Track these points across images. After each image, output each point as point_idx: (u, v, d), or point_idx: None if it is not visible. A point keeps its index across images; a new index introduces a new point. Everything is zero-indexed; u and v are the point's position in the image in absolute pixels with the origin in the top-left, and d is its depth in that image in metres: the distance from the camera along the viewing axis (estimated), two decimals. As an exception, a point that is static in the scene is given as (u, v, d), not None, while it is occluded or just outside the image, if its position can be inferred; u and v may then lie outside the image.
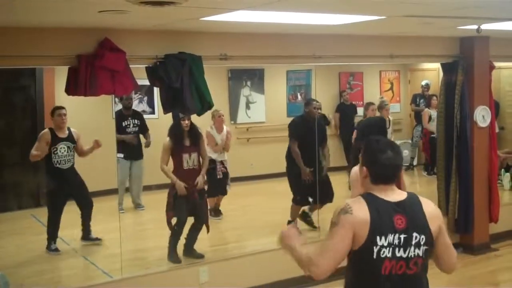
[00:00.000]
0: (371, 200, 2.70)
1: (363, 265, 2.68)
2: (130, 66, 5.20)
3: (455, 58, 7.28)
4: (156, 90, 8.65)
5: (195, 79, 5.49)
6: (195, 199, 6.18)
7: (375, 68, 12.41)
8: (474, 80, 7.25)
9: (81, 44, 5.03)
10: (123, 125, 8.31)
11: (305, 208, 7.42)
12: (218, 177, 7.91)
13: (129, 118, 8.41)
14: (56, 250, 6.68)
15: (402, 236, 2.66)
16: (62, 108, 6.86)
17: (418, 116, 11.27)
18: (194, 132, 6.36)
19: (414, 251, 2.68)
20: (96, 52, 5.02)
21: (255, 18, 4.74)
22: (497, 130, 8.54)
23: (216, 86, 9.78)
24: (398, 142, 11.29)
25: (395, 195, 2.75)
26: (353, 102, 11.77)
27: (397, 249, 2.65)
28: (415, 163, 11.74)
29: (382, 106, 8.89)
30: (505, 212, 7.66)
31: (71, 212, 6.90)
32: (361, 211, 2.65)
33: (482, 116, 7.31)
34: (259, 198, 9.16)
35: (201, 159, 6.38)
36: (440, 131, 7.49)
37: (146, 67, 5.42)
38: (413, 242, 2.68)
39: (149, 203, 8.75)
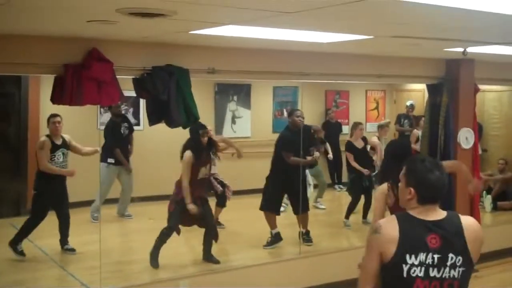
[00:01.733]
0: (404, 219, 2.66)
1: (393, 283, 2.64)
2: (117, 77, 5.20)
3: (440, 79, 7.36)
4: (142, 102, 8.74)
5: (182, 92, 5.48)
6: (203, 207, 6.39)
7: (361, 87, 12.49)
8: (458, 102, 7.33)
9: (68, 53, 5.02)
10: (121, 131, 8.53)
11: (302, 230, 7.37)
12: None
13: (121, 124, 8.59)
14: (22, 253, 6.68)
15: (436, 256, 2.60)
16: (57, 115, 6.88)
17: (402, 136, 11.33)
18: (210, 143, 6.61)
19: (449, 272, 2.62)
20: (83, 62, 5.01)
21: (243, 33, 4.76)
22: (480, 152, 8.61)
23: (203, 100, 9.76)
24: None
25: (435, 215, 2.68)
26: (339, 120, 11.83)
27: (430, 269, 2.59)
28: (398, 183, 11.77)
29: (383, 126, 9.10)
30: (486, 234, 7.59)
31: (51, 222, 6.84)
32: (390, 230, 2.62)
33: (465, 137, 7.38)
34: (242, 213, 9.11)
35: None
36: (424, 151, 7.54)
37: (133, 79, 5.41)
38: (449, 263, 2.62)
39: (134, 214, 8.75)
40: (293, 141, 7.18)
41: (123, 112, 8.97)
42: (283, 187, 7.29)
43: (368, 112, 12.68)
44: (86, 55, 5.04)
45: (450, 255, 2.62)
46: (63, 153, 6.89)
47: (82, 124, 8.39)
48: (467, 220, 2.74)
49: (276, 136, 10.37)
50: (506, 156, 10.23)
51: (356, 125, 8.79)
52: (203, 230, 6.53)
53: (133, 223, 8.68)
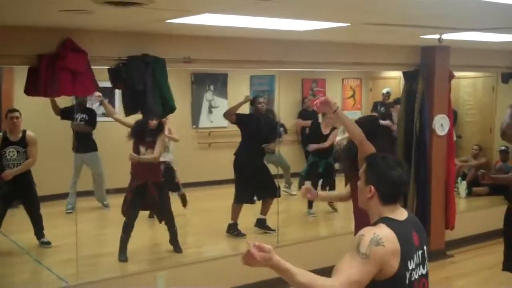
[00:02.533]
0: (394, 226, 2.51)
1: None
2: (92, 67, 5.12)
3: (416, 67, 7.40)
4: (117, 93, 8.65)
5: (158, 82, 5.44)
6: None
7: (338, 76, 12.52)
8: (434, 89, 7.38)
9: (42, 43, 4.93)
10: (75, 117, 8.24)
11: (259, 216, 7.41)
12: None
13: (78, 113, 8.31)
14: None
15: (419, 253, 2.59)
16: (15, 110, 6.71)
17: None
18: (158, 128, 6.46)
19: (428, 266, 2.61)
20: (57, 52, 4.93)
21: (220, 22, 4.72)
22: (455, 138, 8.69)
23: (179, 90, 9.73)
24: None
25: (403, 213, 2.62)
26: (314, 109, 11.82)
27: (419, 267, 2.57)
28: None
29: None
30: (461, 219, 7.79)
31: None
32: (391, 242, 2.45)
33: (440, 124, 7.44)
34: (219, 204, 9.11)
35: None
36: (399, 138, 7.59)
37: (108, 69, 5.34)
38: (426, 256, 2.62)
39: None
40: (252, 126, 7.21)
41: (99, 112, 8.73)
42: (249, 175, 7.26)
43: (345, 100, 12.72)
44: (60, 46, 4.96)
45: (425, 247, 2.65)
46: (17, 151, 6.65)
47: (57, 117, 8.26)
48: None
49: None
50: (480, 142, 10.36)
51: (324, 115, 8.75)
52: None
53: (110, 213, 8.62)
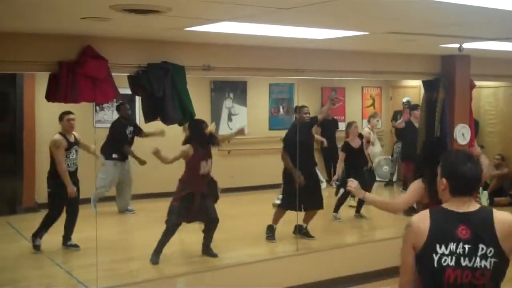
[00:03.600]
0: (435, 211, 2.77)
1: (425, 272, 2.73)
2: (112, 74, 5.18)
3: (436, 75, 7.36)
4: (137, 99, 8.73)
5: (178, 89, 5.47)
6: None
7: (357, 84, 12.48)
8: (454, 98, 7.32)
9: (63, 50, 5.00)
10: (126, 132, 8.56)
11: (301, 223, 7.39)
12: None
13: (129, 126, 8.63)
14: (39, 248, 6.74)
15: (466, 246, 2.67)
16: (70, 112, 6.84)
17: (398, 132, 11.32)
18: (210, 137, 6.56)
19: (480, 262, 2.67)
20: (78, 59, 4.99)
21: (239, 30, 4.74)
22: (478, 148, 8.60)
23: (199, 97, 9.77)
24: (378, 158, 11.39)
25: (466, 207, 2.75)
26: (335, 117, 11.81)
27: (461, 258, 2.67)
28: (394, 178, 11.78)
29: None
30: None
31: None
32: (421, 223, 2.73)
33: (462, 133, 7.38)
34: (238, 210, 9.12)
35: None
36: (420, 147, 7.54)
37: (128, 76, 5.39)
38: (479, 253, 2.67)
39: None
40: (294, 140, 7.14)
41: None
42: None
43: (364, 109, 12.67)
44: (80, 53, 5.02)
45: (481, 245, 2.68)
46: (76, 150, 6.89)
47: (78, 122, 8.33)
48: (501, 215, 2.76)
49: (272, 133, 10.42)
50: (502, 152, 10.23)
51: (349, 124, 8.66)
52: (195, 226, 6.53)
53: (133, 218, 8.69)
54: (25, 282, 6.01)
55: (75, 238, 6.98)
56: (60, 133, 6.79)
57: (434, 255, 2.66)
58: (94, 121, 8.38)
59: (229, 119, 11.06)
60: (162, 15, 3.84)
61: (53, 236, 6.93)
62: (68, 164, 6.75)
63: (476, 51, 6.67)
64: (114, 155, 8.47)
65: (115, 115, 8.91)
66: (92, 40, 5.08)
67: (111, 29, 4.75)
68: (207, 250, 6.53)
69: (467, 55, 7.06)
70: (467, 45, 6.10)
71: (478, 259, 2.67)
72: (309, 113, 7.36)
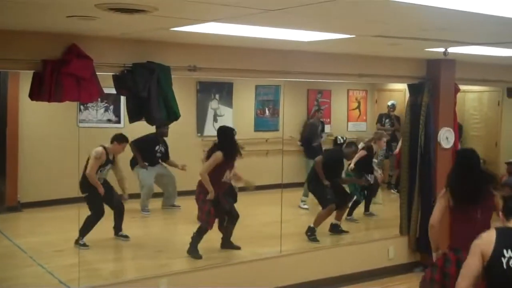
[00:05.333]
0: (500, 228, 3.29)
1: (495, 277, 3.15)
2: (97, 73, 5.14)
3: (421, 79, 7.40)
4: (123, 99, 8.68)
5: (163, 89, 5.44)
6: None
7: (343, 87, 12.51)
8: (439, 101, 7.37)
9: (48, 49, 4.95)
10: (156, 149, 8.95)
11: (333, 221, 7.81)
12: None
13: (160, 145, 8.99)
14: (85, 244, 6.89)
15: None
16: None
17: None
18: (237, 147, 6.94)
19: None
20: (63, 57, 4.94)
21: (225, 30, 4.73)
22: (460, 152, 8.64)
23: (184, 98, 9.74)
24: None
25: None
26: (321, 120, 11.83)
27: None
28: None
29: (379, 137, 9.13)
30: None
31: (27, 220, 6.77)
32: (488, 235, 3.23)
33: (446, 137, 7.42)
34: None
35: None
36: (404, 151, 7.58)
37: (113, 75, 5.36)
38: None
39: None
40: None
41: (104, 118, 9.18)
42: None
43: (350, 111, 12.72)
44: (65, 51, 4.98)
45: None
46: (109, 168, 7.23)
47: (61, 121, 8.31)
48: None
49: (257, 135, 10.43)
50: (486, 157, 10.30)
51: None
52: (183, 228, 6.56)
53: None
54: (7, 282, 5.96)
55: (58, 237, 6.93)
56: (104, 148, 7.09)
57: (502, 258, 3.11)
58: (78, 121, 8.32)
59: (215, 120, 11.04)
60: (148, 15, 3.82)
61: (33, 237, 6.88)
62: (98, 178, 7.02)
63: (461, 56, 6.72)
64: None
65: (100, 115, 8.88)
66: (77, 38, 5.04)
67: (97, 28, 4.72)
68: (228, 243, 6.86)
69: (452, 60, 7.11)
70: (452, 50, 6.14)
71: None
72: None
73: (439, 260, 4.73)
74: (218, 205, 6.66)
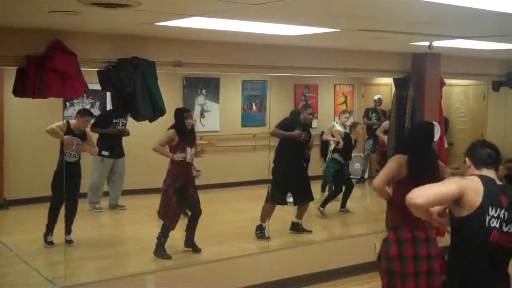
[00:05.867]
0: (484, 177, 3.12)
1: (473, 231, 3.02)
2: (82, 69, 5.11)
3: (407, 73, 7.42)
4: (109, 95, 8.63)
5: (148, 85, 5.42)
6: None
7: (330, 81, 12.53)
8: (424, 95, 7.39)
9: (31, 45, 4.91)
10: (114, 121, 8.55)
11: (294, 220, 7.59)
12: None
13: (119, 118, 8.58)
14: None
15: (506, 213, 3.04)
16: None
17: (370, 129, 11.40)
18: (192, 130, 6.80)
19: (510, 227, 3.05)
20: (46, 53, 4.90)
21: (210, 25, 4.72)
22: (446, 145, 8.69)
23: (171, 93, 9.71)
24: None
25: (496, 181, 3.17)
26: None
27: (503, 224, 3.03)
28: (366, 175, 11.87)
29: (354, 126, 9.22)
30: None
31: (13, 218, 6.73)
32: (476, 182, 3.06)
33: (431, 131, 7.43)
34: (209, 208, 9.09)
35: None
36: (390, 144, 7.60)
37: (98, 71, 5.32)
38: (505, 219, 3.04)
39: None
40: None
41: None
42: (288, 178, 7.42)
43: (337, 106, 12.73)
44: (49, 47, 4.94)
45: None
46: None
47: (46, 117, 8.22)
48: None
49: (244, 130, 10.41)
50: (472, 149, 10.35)
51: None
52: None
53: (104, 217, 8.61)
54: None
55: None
56: (67, 122, 7.08)
57: (487, 215, 3.00)
58: (63, 117, 8.22)
59: (202, 115, 11.02)
60: (132, 9, 3.79)
61: (19, 235, 6.84)
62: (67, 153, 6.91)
63: (447, 49, 6.74)
64: (103, 152, 8.46)
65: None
66: (61, 34, 5.00)
67: (80, 23, 4.68)
68: (191, 244, 6.63)
69: (437, 53, 7.13)
70: (437, 43, 6.16)
71: (510, 225, 3.04)
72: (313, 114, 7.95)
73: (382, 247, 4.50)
74: (186, 194, 6.53)
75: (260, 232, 7.26)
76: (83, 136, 7.09)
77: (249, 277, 6.26)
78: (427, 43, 6.15)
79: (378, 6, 3.87)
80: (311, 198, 7.67)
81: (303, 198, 7.57)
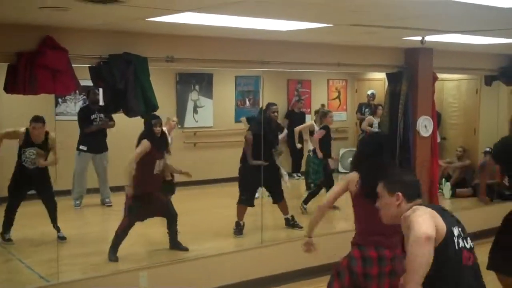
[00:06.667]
0: (431, 206, 2.91)
1: (447, 257, 2.71)
2: (73, 65, 5.08)
3: (400, 68, 7.42)
4: (101, 92, 8.60)
5: (140, 81, 5.41)
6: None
7: (323, 76, 12.52)
8: (417, 90, 7.41)
9: (21, 41, 4.89)
10: (91, 118, 8.41)
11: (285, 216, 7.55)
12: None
13: (96, 112, 8.46)
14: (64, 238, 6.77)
15: (459, 228, 2.83)
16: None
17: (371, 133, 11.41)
18: (162, 136, 6.47)
19: (470, 243, 2.85)
20: (37, 49, 4.88)
21: (201, 20, 4.70)
22: (439, 140, 8.73)
23: (164, 89, 9.70)
24: (343, 150, 11.47)
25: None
26: (302, 110, 11.86)
27: (464, 241, 2.80)
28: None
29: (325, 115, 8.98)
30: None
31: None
32: (428, 210, 2.78)
33: (424, 126, 7.47)
34: (204, 203, 9.10)
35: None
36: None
37: (89, 67, 5.30)
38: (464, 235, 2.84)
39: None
40: (260, 129, 7.27)
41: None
42: (259, 178, 7.27)
43: (330, 101, 12.73)
44: (40, 43, 4.91)
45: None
46: (34, 152, 6.75)
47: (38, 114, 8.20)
48: None
49: (238, 125, 10.38)
50: (464, 144, 10.39)
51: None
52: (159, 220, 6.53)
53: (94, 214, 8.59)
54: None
55: (36, 232, 6.87)
56: (27, 129, 6.70)
57: (454, 238, 2.75)
58: (55, 114, 8.21)
59: (195, 111, 11.01)
60: (121, 5, 3.77)
61: (12, 232, 6.81)
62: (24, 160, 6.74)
63: (439, 44, 6.75)
64: (81, 147, 8.37)
65: (78, 108, 8.78)
66: (52, 30, 4.97)
67: (72, 20, 4.66)
68: (175, 245, 6.49)
69: (430, 48, 7.14)
70: (430, 38, 6.16)
71: (468, 239, 2.84)
72: (277, 112, 7.61)
73: (344, 260, 4.15)
74: (151, 204, 6.31)
75: (236, 229, 7.26)
76: (42, 146, 6.73)
77: (243, 273, 6.26)
78: (419, 38, 6.16)
79: (370, 1, 3.87)
80: (279, 199, 7.47)
81: (275, 198, 7.51)
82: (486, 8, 4.02)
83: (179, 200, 8.30)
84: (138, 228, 6.42)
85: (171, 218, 6.48)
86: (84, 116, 8.44)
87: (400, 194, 2.92)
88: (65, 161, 7.64)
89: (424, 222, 2.64)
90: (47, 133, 6.77)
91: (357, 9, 4.26)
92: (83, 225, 8.19)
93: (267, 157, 7.30)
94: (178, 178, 8.78)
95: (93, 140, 8.43)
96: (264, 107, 7.63)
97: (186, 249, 6.44)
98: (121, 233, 6.23)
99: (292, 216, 7.56)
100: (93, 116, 8.44)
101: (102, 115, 8.45)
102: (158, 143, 6.31)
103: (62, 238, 6.75)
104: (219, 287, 6.02)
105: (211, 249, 6.61)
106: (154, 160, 6.26)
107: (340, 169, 11.28)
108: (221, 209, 8.38)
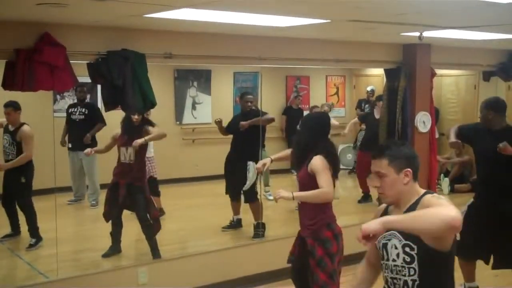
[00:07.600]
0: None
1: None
2: (71, 62, 5.08)
3: (398, 64, 7.43)
4: (99, 88, 8.60)
5: (138, 77, 5.40)
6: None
7: (322, 73, 12.53)
8: (415, 86, 7.41)
9: (20, 38, 4.87)
10: (69, 111, 8.42)
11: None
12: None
13: (78, 107, 8.42)
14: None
15: None
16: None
17: (362, 121, 11.39)
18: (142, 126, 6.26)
19: None
20: (35, 46, 4.88)
21: (199, 16, 4.69)
22: (437, 136, 8.74)
23: (162, 86, 9.71)
24: (342, 146, 11.48)
25: None
26: (300, 106, 11.86)
27: None
28: (358, 166, 11.88)
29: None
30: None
31: (3, 211, 6.73)
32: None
33: (423, 121, 7.48)
34: (203, 199, 9.11)
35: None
36: (382, 135, 7.61)
37: (87, 63, 5.30)
38: None
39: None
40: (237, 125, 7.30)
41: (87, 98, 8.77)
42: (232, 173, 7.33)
43: (329, 97, 12.74)
44: (38, 40, 4.91)
45: None
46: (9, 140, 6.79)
47: (36, 111, 8.19)
48: None
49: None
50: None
51: (312, 108, 8.83)
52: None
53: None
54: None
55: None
56: None
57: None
58: (53, 110, 8.20)
59: (193, 108, 11.02)
60: (119, 1, 3.77)
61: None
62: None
63: (437, 40, 6.75)
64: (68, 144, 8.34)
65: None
66: (50, 27, 4.96)
67: (69, 16, 4.66)
68: (154, 252, 6.12)
69: (427, 44, 7.14)
70: (428, 34, 6.16)
71: None
72: (251, 102, 7.44)
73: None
74: (118, 196, 6.12)
75: (230, 223, 7.35)
76: (13, 133, 6.73)
77: (243, 268, 6.27)
78: (417, 34, 6.16)
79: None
80: (246, 200, 7.26)
81: (245, 197, 7.29)
82: (484, 3, 4.02)
83: (178, 196, 8.36)
84: (138, 225, 6.43)
85: (140, 222, 6.14)
86: (67, 110, 8.48)
87: (410, 170, 2.74)
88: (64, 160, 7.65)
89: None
90: (22, 124, 6.80)
91: (355, 5, 4.26)
92: (81, 222, 8.21)
93: (237, 150, 7.36)
94: (176, 174, 8.85)
95: (75, 136, 8.33)
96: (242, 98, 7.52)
97: (158, 256, 6.10)
98: (111, 225, 6.26)
99: (260, 223, 7.04)
100: (72, 109, 8.39)
101: (84, 109, 8.36)
102: (128, 131, 6.16)
103: (31, 246, 6.59)
104: (219, 283, 6.02)
105: (210, 245, 6.62)
106: (119, 147, 6.23)
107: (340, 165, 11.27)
108: (219, 205, 8.38)
